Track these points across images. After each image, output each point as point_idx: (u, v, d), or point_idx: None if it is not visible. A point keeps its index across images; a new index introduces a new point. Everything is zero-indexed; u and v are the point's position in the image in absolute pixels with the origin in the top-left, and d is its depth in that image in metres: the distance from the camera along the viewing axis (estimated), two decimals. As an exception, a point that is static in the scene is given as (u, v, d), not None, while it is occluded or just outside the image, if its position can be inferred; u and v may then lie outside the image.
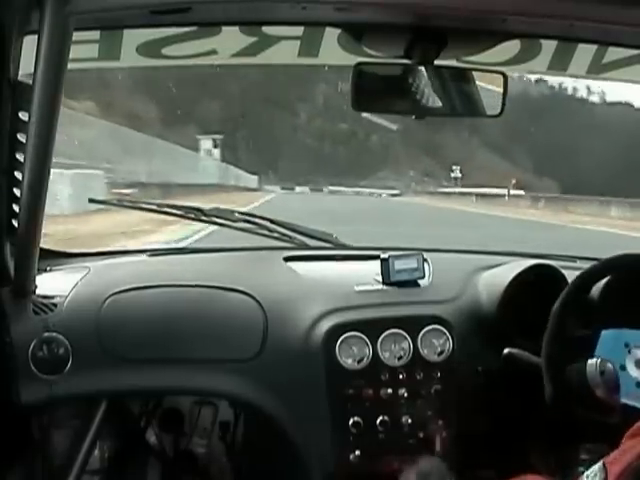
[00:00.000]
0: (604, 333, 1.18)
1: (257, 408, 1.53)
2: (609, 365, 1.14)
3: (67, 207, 9.84)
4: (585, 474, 0.87)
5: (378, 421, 1.49)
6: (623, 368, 1.16)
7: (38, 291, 1.53)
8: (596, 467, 0.86)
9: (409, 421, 1.50)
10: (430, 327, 1.54)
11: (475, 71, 1.40)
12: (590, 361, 1.16)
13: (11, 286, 1.49)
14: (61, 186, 10.05)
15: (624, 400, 1.13)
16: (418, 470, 1.25)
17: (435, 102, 1.37)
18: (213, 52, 1.51)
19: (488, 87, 1.43)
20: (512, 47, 1.47)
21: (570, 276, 1.49)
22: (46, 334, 1.46)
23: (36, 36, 1.14)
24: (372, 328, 1.51)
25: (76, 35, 1.16)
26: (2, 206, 1.38)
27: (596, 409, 1.13)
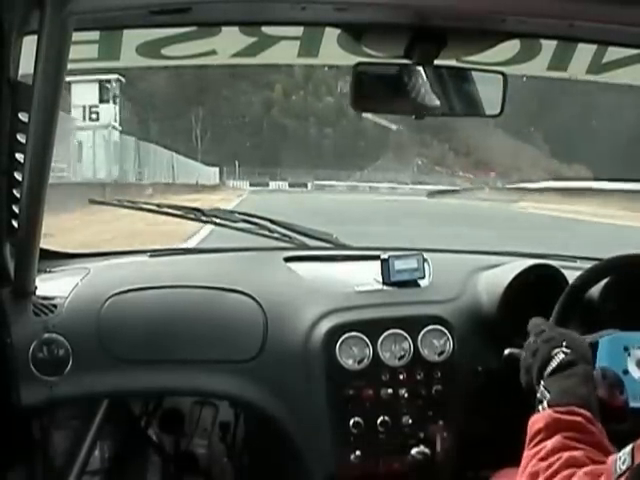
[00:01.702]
0: (602, 340, 1.17)
1: (257, 409, 1.53)
2: (610, 370, 1.14)
3: None
4: (618, 455, 0.87)
5: (379, 421, 1.48)
6: (626, 372, 1.15)
7: (38, 292, 1.52)
8: (627, 449, 0.87)
9: (409, 421, 1.50)
10: (430, 327, 1.54)
11: (475, 71, 1.40)
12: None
13: (11, 287, 1.49)
14: None
15: (633, 404, 1.12)
16: None
17: (435, 102, 1.36)
18: (213, 52, 1.51)
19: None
20: (512, 47, 1.47)
21: (570, 276, 1.49)
22: (46, 335, 1.46)
23: (36, 36, 1.14)
24: (372, 328, 1.51)
25: (76, 35, 1.16)
26: (2, 207, 1.38)
27: (603, 415, 1.12)
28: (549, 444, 1.00)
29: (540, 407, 1.07)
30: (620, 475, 0.84)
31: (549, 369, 1.11)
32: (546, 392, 1.08)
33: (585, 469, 0.92)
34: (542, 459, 0.99)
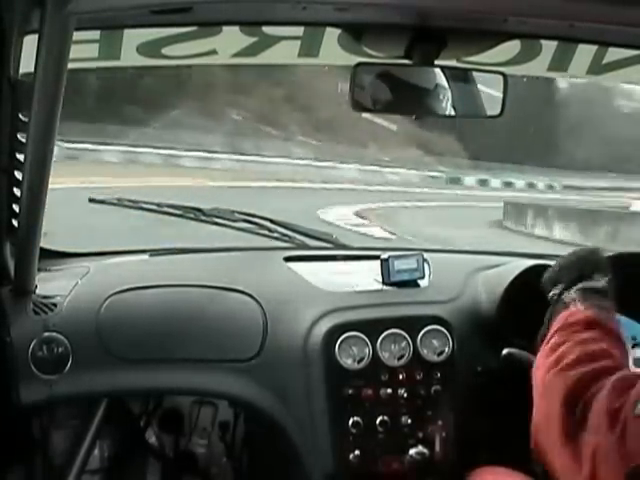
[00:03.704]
0: (619, 317, 1.18)
1: (256, 408, 1.53)
2: None
3: None
4: None
5: (378, 421, 1.49)
6: None
7: (38, 291, 1.53)
8: None
9: (409, 421, 1.50)
10: (430, 327, 1.54)
11: (475, 71, 1.40)
12: None
13: (11, 286, 1.49)
14: None
15: None
16: None
17: (435, 102, 1.37)
18: (213, 52, 1.50)
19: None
20: (512, 47, 1.47)
21: None
22: (46, 334, 1.46)
23: (36, 36, 1.14)
24: (372, 328, 1.51)
25: (76, 35, 1.16)
26: (2, 206, 1.38)
27: None
28: (586, 335, 1.02)
29: (572, 306, 1.09)
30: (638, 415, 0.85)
31: (587, 284, 1.13)
32: (579, 300, 1.10)
33: (621, 374, 0.93)
34: (579, 344, 1.01)
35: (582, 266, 1.17)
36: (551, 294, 1.17)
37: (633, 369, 1.18)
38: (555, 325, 1.09)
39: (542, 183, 24.98)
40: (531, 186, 24.17)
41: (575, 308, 1.10)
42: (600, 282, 1.13)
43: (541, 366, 1.04)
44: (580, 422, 0.92)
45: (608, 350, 0.99)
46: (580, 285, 1.13)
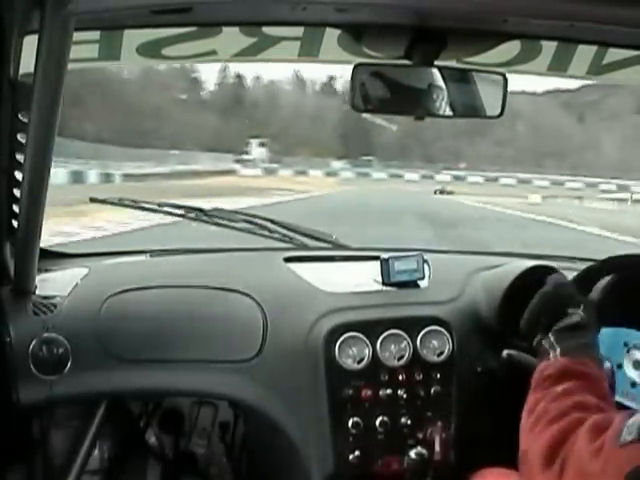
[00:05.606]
0: (603, 331, 1.19)
1: (257, 408, 1.53)
2: (607, 363, 1.15)
3: None
4: (626, 423, 0.87)
5: (377, 422, 1.49)
6: (620, 367, 1.16)
7: (38, 291, 1.53)
8: (638, 421, 0.86)
9: (408, 422, 1.50)
10: (430, 328, 1.54)
11: (475, 72, 1.40)
12: None
13: (11, 286, 1.49)
14: None
15: (618, 399, 1.13)
16: None
17: (435, 103, 1.37)
18: (213, 52, 1.50)
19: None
20: (512, 48, 1.47)
21: (570, 277, 1.49)
22: (46, 334, 1.46)
23: (36, 36, 1.14)
24: (372, 329, 1.51)
25: (76, 35, 1.16)
26: (2, 206, 1.38)
27: None
28: (559, 388, 1.02)
29: (550, 356, 1.08)
30: (624, 444, 0.85)
31: (561, 324, 1.11)
32: (556, 344, 1.08)
33: (593, 420, 0.93)
34: (553, 400, 1.01)
35: (553, 306, 1.14)
36: (535, 343, 1.15)
37: (632, 373, 1.17)
38: (533, 382, 1.08)
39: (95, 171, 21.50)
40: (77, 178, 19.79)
41: (551, 356, 1.08)
42: (574, 317, 1.11)
43: (524, 429, 1.05)
44: (559, 474, 0.92)
45: (581, 401, 0.98)
46: (555, 327, 1.11)
